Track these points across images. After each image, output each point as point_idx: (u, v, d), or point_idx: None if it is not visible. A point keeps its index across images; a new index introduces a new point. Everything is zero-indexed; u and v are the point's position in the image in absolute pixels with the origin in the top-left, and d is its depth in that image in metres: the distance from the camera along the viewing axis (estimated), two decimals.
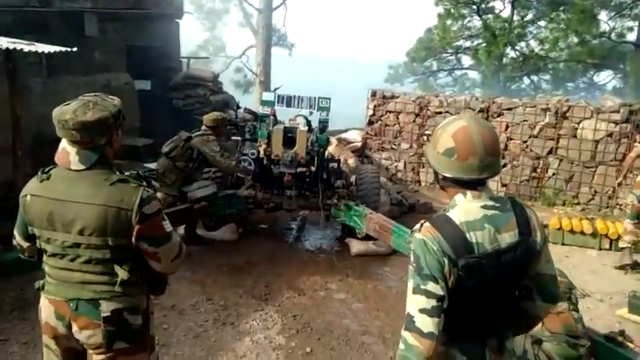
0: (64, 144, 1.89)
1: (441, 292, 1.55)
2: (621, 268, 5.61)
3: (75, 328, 1.93)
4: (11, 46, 4.41)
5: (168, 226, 1.97)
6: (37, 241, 1.96)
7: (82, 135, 1.82)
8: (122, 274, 1.90)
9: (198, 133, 5.34)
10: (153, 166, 5.99)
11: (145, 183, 1.96)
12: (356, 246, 5.75)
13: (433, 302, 1.54)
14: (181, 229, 5.70)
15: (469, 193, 1.66)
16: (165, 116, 9.42)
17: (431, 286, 1.54)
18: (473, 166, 1.61)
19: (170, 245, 1.96)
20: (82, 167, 1.87)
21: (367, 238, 5.59)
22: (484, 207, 1.64)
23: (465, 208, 1.63)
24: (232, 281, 4.85)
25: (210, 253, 5.52)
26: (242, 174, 5.55)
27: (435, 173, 1.74)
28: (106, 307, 1.91)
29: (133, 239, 1.87)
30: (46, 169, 1.93)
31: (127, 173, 1.97)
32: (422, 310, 1.54)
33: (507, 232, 1.63)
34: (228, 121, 5.95)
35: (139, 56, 9.45)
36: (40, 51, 4.53)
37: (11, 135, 4.90)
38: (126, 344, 1.96)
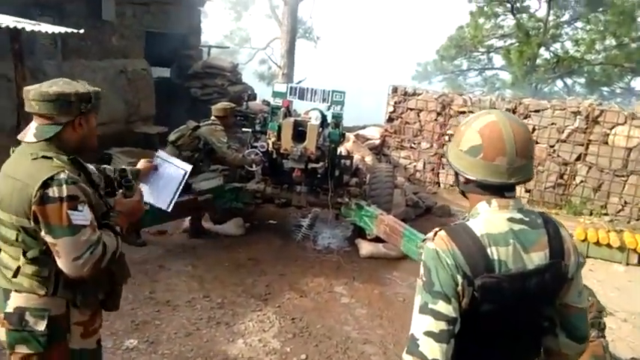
0: (32, 121, 1.82)
1: (452, 314, 1.32)
2: None
3: None
4: (17, 25, 4.29)
5: (79, 218, 1.69)
6: None
7: (40, 107, 1.74)
8: (21, 261, 1.72)
9: (206, 122, 5.17)
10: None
11: (116, 180, 1.87)
12: (365, 247, 5.50)
13: (442, 325, 1.31)
14: (187, 221, 5.56)
15: (494, 202, 1.41)
16: (183, 105, 9.30)
17: (441, 306, 1.32)
18: (501, 168, 1.37)
19: (72, 240, 1.67)
20: (33, 140, 1.75)
21: (378, 240, 5.34)
22: (511, 220, 1.39)
23: (488, 219, 1.39)
24: (233, 278, 4.67)
25: (213, 247, 5.35)
26: (249, 167, 5.35)
27: (456, 175, 1.50)
28: (12, 302, 1.75)
29: (31, 221, 1.68)
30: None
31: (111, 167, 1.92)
32: (428, 333, 1.31)
33: (536, 252, 1.38)
34: (238, 111, 5.75)
35: (158, 43, 9.34)
36: (43, 31, 4.40)
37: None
38: (27, 350, 1.75)
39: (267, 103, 6.63)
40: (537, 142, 7.94)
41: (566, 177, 7.92)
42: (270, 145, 5.25)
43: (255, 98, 9.31)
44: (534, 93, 16.66)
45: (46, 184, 1.65)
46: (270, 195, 5.67)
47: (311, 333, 3.89)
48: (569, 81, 20.21)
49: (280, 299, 4.38)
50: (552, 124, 7.87)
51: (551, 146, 7.92)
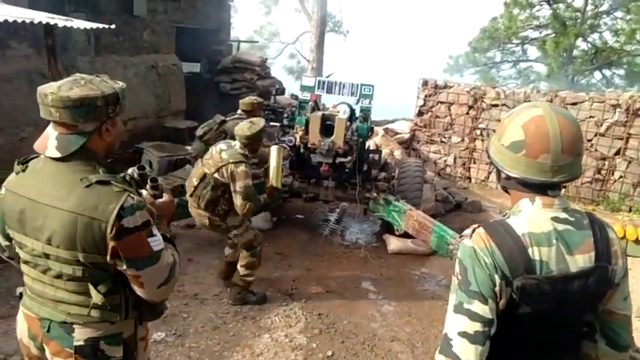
0: (48, 127, 1.57)
1: (488, 315, 1.27)
2: None
3: (47, 353, 1.64)
4: (50, 21, 4.37)
5: (157, 243, 1.56)
6: (12, 243, 1.66)
7: (62, 115, 1.48)
8: (96, 297, 1.55)
9: (233, 117, 5.17)
10: (189, 149, 5.91)
11: (134, 188, 1.60)
12: (393, 243, 5.43)
13: (477, 326, 1.26)
14: None
15: (538, 199, 1.34)
16: (213, 100, 9.36)
17: (477, 307, 1.27)
18: (544, 167, 1.30)
19: (156, 268, 1.55)
20: (58, 155, 1.51)
21: (406, 235, 5.26)
22: (555, 219, 1.32)
23: (530, 218, 1.32)
24: (260, 273, 4.60)
25: None
26: None
27: (498, 171, 1.42)
28: (80, 335, 1.58)
29: (108, 257, 1.50)
30: (25, 159, 1.62)
31: (120, 175, 1.61)
32: (462, 334, 1.26)
33: (581, 254, 1.31)
34: (265, 106, 5.74)
35: (188, 38, 9.43)
36: (76, 27, 4.47)
37: None
38: None
39: (296, 97, 6.62)
40: None
41: (604, 172, 7.63)
42: (298, 140, 5.22)
43: (283, 92, 9.31)
44: (571, 85, 16.13)
45: (120, 216, 1.47)
46: (297, 189, 5.66)
47: (337, 329, 3.85)
48: (607, 73, 19.46)
49: (307, 294, 4.36)
50: (590, 117, 7.58)
51: (589, 140, 7.63)
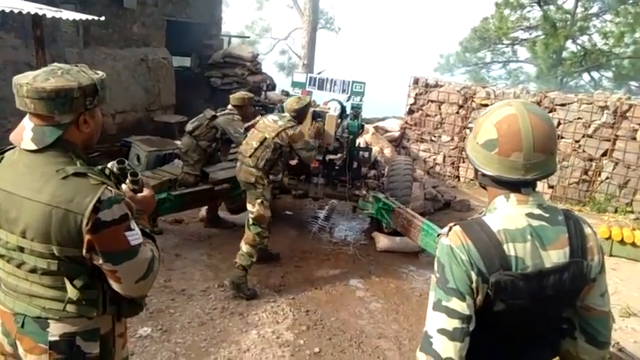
0: (25, 119, 1.53)
1: (466, 312, 1.28)
2: None
3: (20, 349, 1.58)
4: (39, 12, 4.31)
5: (135, 238, 1.50)
6: None
7: (37, 106, 1.43)
8: (71, 292, 1.50)
9: (223, 112, 5.13)
10: (178, 143, 5.87)
11: (112, 181, 1.56)
12: (382, 241, 5.43)
13: (456, 323, 1.27)
14: (203, 210, 5.56)
15: (513, 197, 1.36)
16: (202, 94, 9.32)
17: (455, 304, 1.28)
18: (516, 165, 1.32)
19: (133, 263, 1.50)
20: (34, 147, 1.47)
21: (395, 233, 5.27)
22: (529, 215, 1.33)
23: (505, 215, 1.34)
24: None
25: (229, 237, 5.34)
26: None
27: (475, 169, 1.43)
28: (55, 330, 1.53)
29: (84, 251, 1.45)
30: (1, 150, 1.58)
31: (98, 168, 1.56)
32: (442, 331, 1.28)
33: (555, 249, 1.32)
34: (256, 101, 5.71)
35: (178, 32, 9.36)
36: (65, 18, 4.41)
37: None
38: None
39: (287, 94, 6.60)
40: (562, 137, 7.75)
41: (591, 173, 7.70)
42: None
43: (274, 88, 9.29)
44: (560, 86, 16.28)
45: (96, 209, 1.41)
46: (287, 186, 5.64)
47: (325, 326, 3.85)
48: (596, 75, 19.65)
49: (295, 291, 4.36)
50: (578, 118, 7.65)
51: (577, 141, 7.71)
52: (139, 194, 1.68)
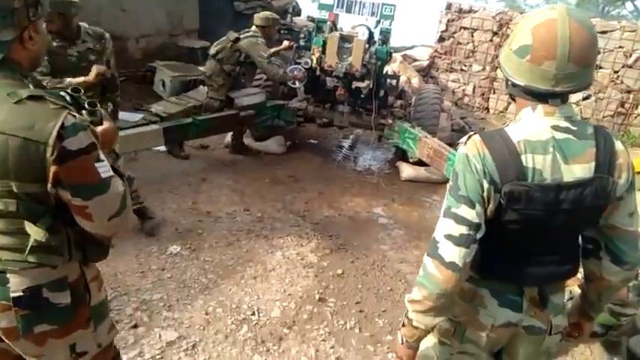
0: None
1: (475, 220, 1.28)
2: None
3: None
4: None
5: (105, 170, 1.34)
6: None
7: None
8: (36, 233, 1.34)
9: (247, 34, 4.98)
10: (202, 69, 5.79)
11: (72, 105, 1.36)
12: (406, 170, 5.41)
13: (463, 229, 1.28)
14: (228, 137, 5.58)
15: (540, 108, 1.30)
16: (226, 19, 9.04)
17: (463, 210, 1.29)
18: (547, 74, 1.25)
19: (105, 197, 1.33)
20: None
21: (420, 163, 5.23)
22: (555, 127, 1.28)
23: (529, 125, 1.30)
24: (272, 194, 4.71)
25: (254, 163, 5.39)
26: (291, 84, 5.21)
27: (506, 79, 1.37)
28: (16, 285, 1.37)
29: (49, 185, 1.28)
30: None
31: (52, 91, 1.37)
32: (448, 237, 1.30)
33: (579, 164, 1.27)
34: (281, 24, 5.52)
35: None
36: None
37: None
38: (51, 326, 1.43)
39: (312, 20, 6.40)
40: (601, 67, 7.38)
41: (627, 106, 7.40)
42: (314, 62, 5.08)
43: (299, 14, 8.97)
44: (601, 15, 15.33)
45: (61, 136, 1.24)
46: (312, 114, 5.58)
47: (348, 250, 3.93)
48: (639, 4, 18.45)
49: (318, 216, 4.42)
50: (620, 47, 7.24)
51: (616, 72, 7.34)
52: (99, 127, 1.46)
